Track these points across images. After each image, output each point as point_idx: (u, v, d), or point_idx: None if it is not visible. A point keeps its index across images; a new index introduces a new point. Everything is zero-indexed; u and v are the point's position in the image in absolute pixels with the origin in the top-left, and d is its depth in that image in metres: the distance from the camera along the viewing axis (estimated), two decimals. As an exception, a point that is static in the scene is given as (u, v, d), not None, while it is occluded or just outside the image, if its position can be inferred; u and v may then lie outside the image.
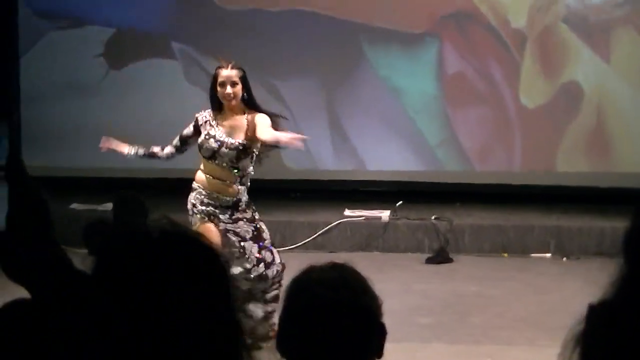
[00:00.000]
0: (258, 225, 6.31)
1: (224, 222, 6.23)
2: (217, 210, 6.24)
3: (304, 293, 2.27)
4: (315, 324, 2.22)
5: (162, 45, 10.58)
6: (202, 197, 6.28)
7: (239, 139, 6.23)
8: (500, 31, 9.94)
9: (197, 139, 6.33)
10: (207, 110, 6.38)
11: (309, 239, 9.15)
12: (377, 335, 2.30)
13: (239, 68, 6.32)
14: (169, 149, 6.51)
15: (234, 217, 6.24)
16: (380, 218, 9.29)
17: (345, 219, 9.28)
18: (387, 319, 2.38)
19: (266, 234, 6.33)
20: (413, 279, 8.10)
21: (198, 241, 1.41)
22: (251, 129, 6.23)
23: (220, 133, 6.25)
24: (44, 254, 1.49)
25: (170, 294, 1.31)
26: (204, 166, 6.33)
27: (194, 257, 1.39)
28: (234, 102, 6.24)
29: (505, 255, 8.97)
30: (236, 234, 6.22)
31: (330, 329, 2.22)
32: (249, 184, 6.36)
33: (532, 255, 8.93)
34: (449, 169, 10.13)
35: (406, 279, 8.09)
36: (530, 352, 6.17)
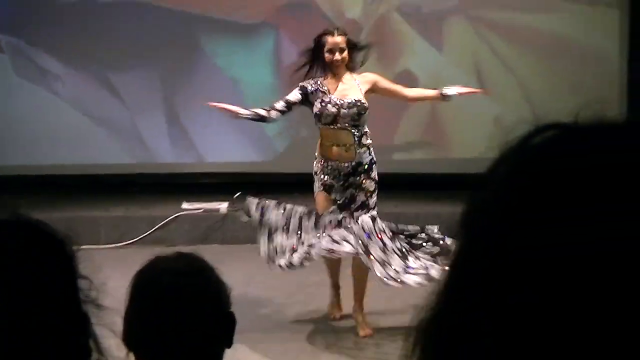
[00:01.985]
0: (356, 194, 6.43)
1: (335, 191, 6.46)
2: (333, 181, 6.46)
3: (150, 283, 2.22)
4: (163, 313, 2.17)
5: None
6: (322, 166, 6.50)
7: (355, 96, 6.43)
8: (335, 21, 10.00)
9: (300, 106, 6.55)
10: (311, 80, 6.53)
11: (147, 233, 9.02)
12: (226, 324, 2.26)
13: (344, 34, 6.48)
14: (274, 113, 6.58)
15: (346, 183, 6.44)
16: (218, 210, 9.23)
17: (184, 212, 9.18)
18: (233, 310, 2.33)
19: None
20: (255, 271, 8.07)
21: (40, 229, 1.34)
22: (367, 85, 6.53)
23: (334, 97, 6.42)
24: None
25: (8, 283, 1.24)
26: (324, 134, 6.47)
27: (34, 245, 1.31)
28: (341, 68, 6.46)
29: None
30: (340, 205, 6.45)
31: (178, 317, 2.17)
32: (369, 141, 6.49)
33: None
34: (286, 159, 10.15)
35: (248, 270, 8.05)
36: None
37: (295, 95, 6.56)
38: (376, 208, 6.48)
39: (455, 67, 9.99)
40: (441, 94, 6.76)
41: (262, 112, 6.63)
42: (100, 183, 10.13)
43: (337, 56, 6.41)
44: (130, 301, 2.22)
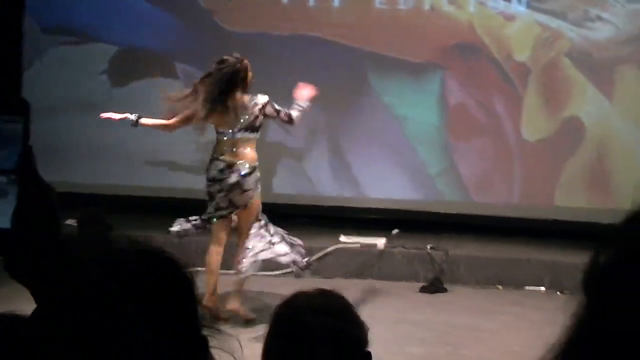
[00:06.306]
0: None
1: None
2: None
3: (289, 318, 2.26)
4: (300, 350, 2.20)
5: (166, 65, 10.60)
6: None
7: None
8: (503, 64, 9.96)
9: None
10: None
11: (305, 264, 9.10)
12: (362, 363, 2.28)
13: None
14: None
15: None
16: (376, 245, 9.26)
17: (341, 245, 9.25)
18: (379, 348, 2.36)
19: None
20: (407, 308, 8.07)
21: (160, 255, 1.39)
22: None
23: None
24: (48, 254, 1.48)
25: (134, 309, 1.30)
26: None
27: (156, 271, 1.37)
28: None
29: (500, 287, 8.94)
30: None
31: (314, 355, 2.20)
32: None
33: (527, 288, 8.90)
34: (447, 199, 10.12)
35: (400, 307, 8.06)
36: (522, 387, 6.13)
37: None
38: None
39: (624, 116, 9.78)
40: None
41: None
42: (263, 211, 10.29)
43: None
44: (269, 334, 2.27)
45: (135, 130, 10.56)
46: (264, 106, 7.57)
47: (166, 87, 10.60)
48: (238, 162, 7.42)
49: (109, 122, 10.54)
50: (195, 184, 10.43)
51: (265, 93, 10.39)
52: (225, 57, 7.49)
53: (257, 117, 7.53)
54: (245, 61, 7.52)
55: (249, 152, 7.47)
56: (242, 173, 7.41)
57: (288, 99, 10.36)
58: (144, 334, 1.27)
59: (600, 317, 0.82)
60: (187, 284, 1.40)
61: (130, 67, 10.71)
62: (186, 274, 1.41)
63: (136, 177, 10.56)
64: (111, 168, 10.59)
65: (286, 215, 10.25)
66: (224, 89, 7.35)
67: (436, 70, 10.13)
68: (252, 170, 7.45)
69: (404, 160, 10.14)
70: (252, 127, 7.51)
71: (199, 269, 8.50)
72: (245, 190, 7.42)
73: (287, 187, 10.34)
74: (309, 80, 10.26)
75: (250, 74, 7.52)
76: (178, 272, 1.39)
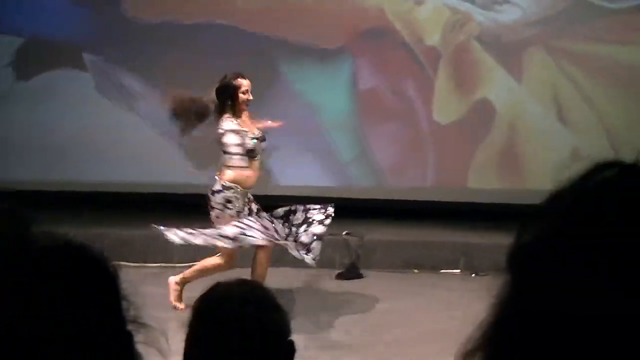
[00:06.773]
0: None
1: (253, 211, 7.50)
2: (246, 206, 7.47)
3: (211, 309, 2.24)
4: (222, 340, 2.18)
5: (73, 56, 10.43)
6: (238, 195, 7.39)
7: (259, 132, 7.58)
8: (414, 48, 10.00)
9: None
10: (228, 121, 7.44)
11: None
12: (285, 352, 2.26)
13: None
14: None
15: (249, 206, 7.55)
16: (292, 233, 9.22)
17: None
18: (297, 336, 2.34)
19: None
20: (324, 295, 8.08)
21: (83, 250, 1.35)
22: (256, 124, 7.66)
23: (250, 133, 7.47)
24: None
25: (56, 305, 1.25)
26: (245, 166, 7.42)
27: (79, 267, 1.33)
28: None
29: (416, 271, 9.00)
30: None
31: (237, 345, 2.18)
32: None
33: (442, 271, 8.97)
34: (361, 184, 10.15)
35: (317, 295, 8.06)
36: (440, 369, 6.16)
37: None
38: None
39: (533, 97, 9.91)
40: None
41: None
42: (174, 201, 10.21)
43: (250, 96, 7.52)
44: (190, 326, 2.24)
45: (44, 123, 10.44)
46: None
47: (74, 79, 10.49)
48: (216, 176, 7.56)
49: (17, 115, 10.39)
50: (110, 177, 10.31)
51: (172, 82, 10.37)
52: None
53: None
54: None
55: (222, 170, 7.51)
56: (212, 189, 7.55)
57: (194, 87, 10.33)
58: (64, 331, 1.23)
59: (525, 295, 0.82)
60: (109, 279, 1.36)
61: (36, 59, 10.51)
62: (109, 269, 1.37)
63: (52, 171, 10.36)
64: (24, 162, 10.38)
65: (197, 206, 10.19)
66: None
67: (347, 56, 10.14)
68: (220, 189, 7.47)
69: (316, 147, 10.14)
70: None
71: (122, 263, 8.43)
72: (212, 207, 7.54)
73: (196, 176, 10.25)
74: (218, 68, 10.20)
75: None
76: (100, 267, 1.35)
